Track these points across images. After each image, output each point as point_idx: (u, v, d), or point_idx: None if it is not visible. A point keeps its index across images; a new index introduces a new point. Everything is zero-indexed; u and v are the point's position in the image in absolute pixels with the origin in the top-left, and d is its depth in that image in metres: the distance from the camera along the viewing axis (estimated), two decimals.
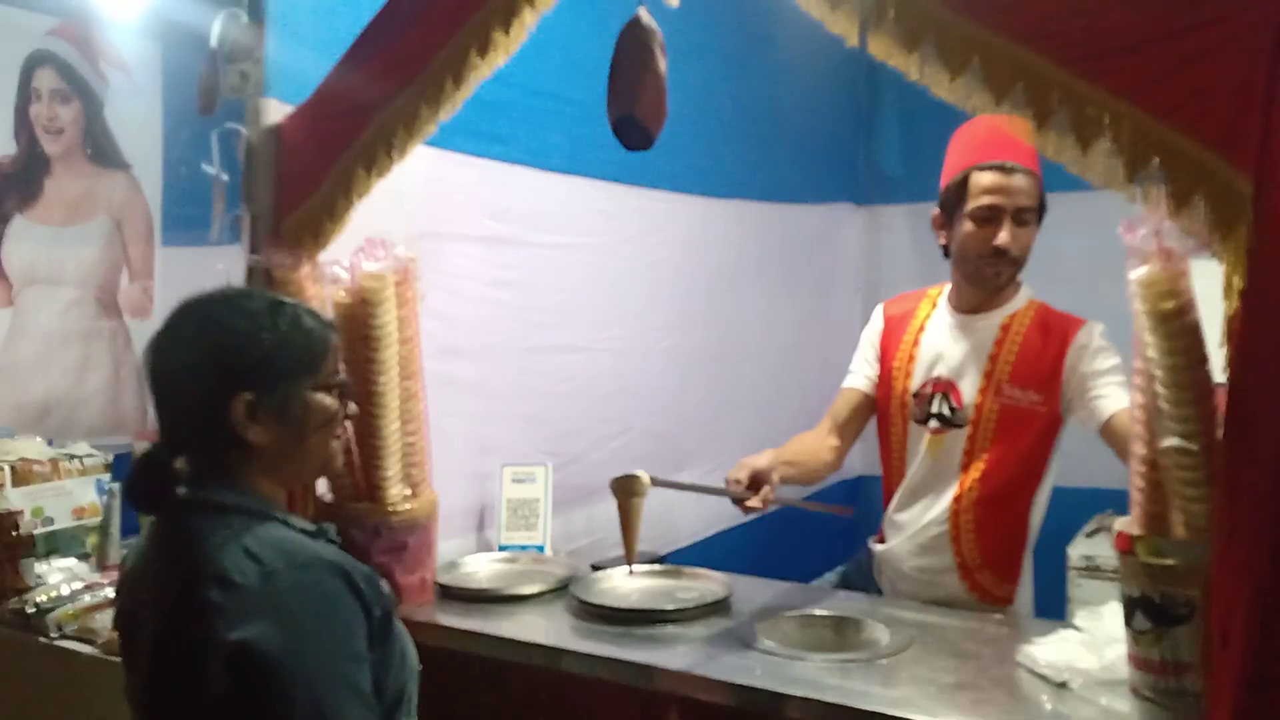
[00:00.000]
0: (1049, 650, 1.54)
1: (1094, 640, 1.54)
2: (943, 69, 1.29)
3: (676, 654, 1.64)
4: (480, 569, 2.16)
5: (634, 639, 1.71)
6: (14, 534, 2.10)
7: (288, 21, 1.98)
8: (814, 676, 1.52)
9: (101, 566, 2.25)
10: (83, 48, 2.92)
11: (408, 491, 1.92)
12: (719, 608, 1.84)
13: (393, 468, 1.89)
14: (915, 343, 2.04)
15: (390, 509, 1.87)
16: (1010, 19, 1.25)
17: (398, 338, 1.89)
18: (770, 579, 2.08)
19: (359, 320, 1.85)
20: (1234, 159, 1.14)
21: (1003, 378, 1.93)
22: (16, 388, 2.79)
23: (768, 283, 3.36)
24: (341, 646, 1.12)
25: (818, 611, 1.84)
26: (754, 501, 1.85)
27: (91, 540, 2.34)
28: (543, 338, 2.57)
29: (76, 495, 2.35)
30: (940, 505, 1.97)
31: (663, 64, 1.67)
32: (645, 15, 1.66)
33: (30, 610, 1.97)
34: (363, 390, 1.85)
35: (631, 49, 1.66)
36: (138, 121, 3.01)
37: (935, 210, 2.00)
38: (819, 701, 1.44)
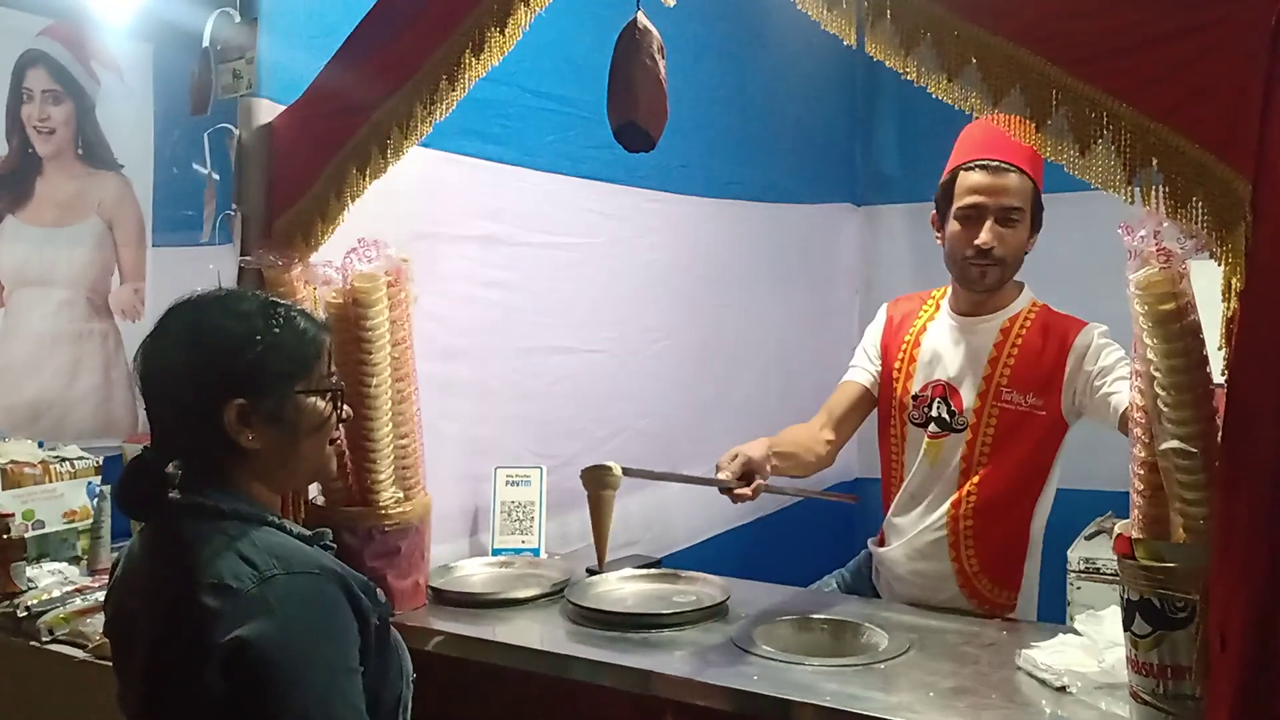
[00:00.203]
0: (1048, 654, 1.53)
1: (1093, 644, 1.53)
2: (940, 69, 1.28)
3: (673, 659, 1.63)
4: (474, 573, 2.14)
5: (630, 644, 1.70)
6: (4, 537, 2.09)
7: (280, 21, 1.97)
8: (812, 681, 1.51)
9: (92, 570, 2.24)
10: (74, 48, 2.90)
11: (400, 495, 1.91)
12: (716, 612, 1.84)
13: (385, 471, 1.87)
14: (916, 344, 2.03)
15: (383, 512, 1.86)
16: (1008, 19, 1.25)
17: (390, 339, 1.87)
18: (768, 582, 2.07)
19: (351, 321, 1.84)
20: (1232, 160, 1.13)
21: (1002, 382, 1.91)
22: (7, 389, 2.77)
23: (764, 283, 3.35)
24: (338, 655, 1.11)
25: (816, 616, 1.83)
26: (744, 490, 1.83)
27: (82, 543, 2.32)
28: (537, 339, 2.56)
29: (67, 498, 2.33)
30: (939, 511, 1.96)
31: (662, 67, 1.66)
32: (643, 18, 1.65)
33: (21, 614, 1.95)
34: (355, 392, 1.84)
35: (630, 52, 1.65)
36: (129, 122, 3.00)
37: (933, 211, 1.99)
38: (817, 706, 1.43)
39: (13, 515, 2.17)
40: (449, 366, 2.27)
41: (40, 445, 2.45)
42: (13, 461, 2.28)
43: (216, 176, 2.06)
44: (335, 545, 1.29)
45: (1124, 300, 1.31)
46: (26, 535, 2.19)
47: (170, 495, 1.19)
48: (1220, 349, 1.18)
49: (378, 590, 1.22)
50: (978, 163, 1.88)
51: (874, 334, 2.14)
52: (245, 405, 1.16)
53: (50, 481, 2.31)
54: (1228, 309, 1.16)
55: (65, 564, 2.23)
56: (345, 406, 1.30)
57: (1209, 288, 1.21)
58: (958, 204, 1.90)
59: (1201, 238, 1.18)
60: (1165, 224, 1.23)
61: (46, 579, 2.11)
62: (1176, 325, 1.27)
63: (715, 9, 2.98)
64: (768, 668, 1.57)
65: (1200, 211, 1.16)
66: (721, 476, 1.83)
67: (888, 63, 1.32)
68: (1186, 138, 1.16)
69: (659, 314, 2.93)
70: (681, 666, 1.59)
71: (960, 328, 1.99)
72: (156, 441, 1.21)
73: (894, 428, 2.05)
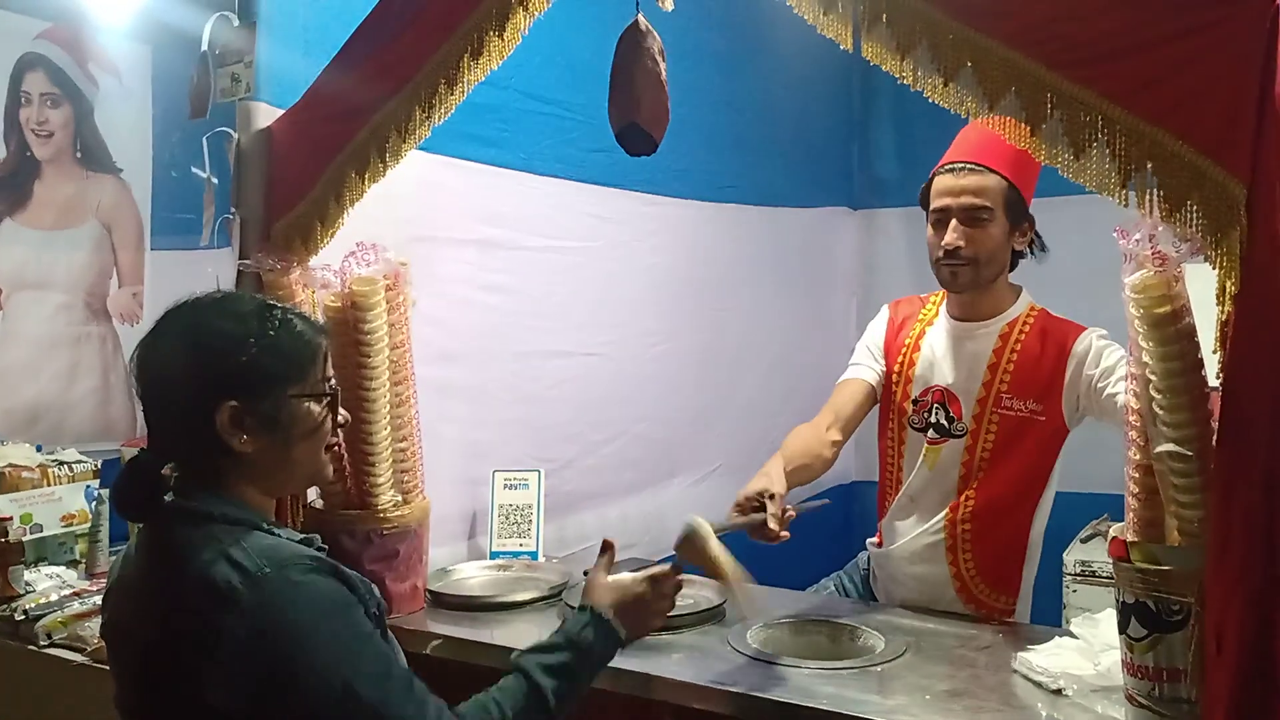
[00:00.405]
0: (1044, 657, 1.54)
1: (1089, 647, 1.53)
2: (936, 73, 1.29)
3: (671, 662, 1.63)
4: (472, 576, 2.15)
5: (628, 646, 1.70)
6: (2, 540, 2.08)
7: (279, 24, 1.98)
8: (809, 684, 1.51)
9: (90, 574, 2.24)
10: (73, 51, 2.91)
11: (399, 498, 1.91)
12: (714, 614, 1.84)
13: (384, 474, 1.87)
14: (915, 349, 2.03)
15: (381, 516, 1.86)
16: (1003, 23, 1.25)
17: (388, 343, 1.88)
18: (765, 585, 2.06)
19: (349, 325, 1.84)
20: (1227, 163, 1.14)
21: (1002, 388, 1.91)
22: (5, 393, 2.77)
23: (762, 287, 3.35)
24: (342, 632, 1.11)
25: (813, 619, 1.84)
26: (785, 534, 1.71)
27: (80, 547, 2.32)
28: (535, 342, 2.56)
29: (65, 502, 2.33)
30: (938, 515, 1.95)
31: (663, 69, 1.66)
32: (644, 21, 1.65)
33: (19, 618, 1.95)
34: (353, 396, 1.84)
35: (632, 55, 1.66)
36: (128, 125, 3.00)
37: None
38: (814, 709, 1.43)
39: (10, 519, 2.16)
40: (447, 370, 2.27)
41: (38, 449, 2.45)
42: (11, 465, 2.28)
43: (215, 180, 2.06)
44: (326, 548, 1.28)
45: (1120, 303, 1.32)
46: (24, 539, 2.19)
47: (165, 498, 1.20)
48: (1215, 352, 1.19)
49: (373, 588, 1.22)
50: (946, 167, 1.91)
51: (878, 333, 2.13)
52: (238, 408, 1.16)
53: (48, 485, 2.31)
54: (1222, 312, 1.16)
55: (63, 568, 2.23)
56: (342, 411, 1.29)
57: (1204, 291, 1.22)
58: (930, 209, 1.92)
59: (1197, 241, 1.18)
60: (1160, 228, 1.23)
61: (44, 583, 2.11)
62: (1171, 328, 1.27)
63: (713, 14, 2.98)
64: (765, 670, 1.58)
65: (1195, 215, 1.16)
66: (771, 523, 1.69)
67: (884, 66, 1.32)
68: (1181, 141, 1.16)
69: (657, 318, 2.93)
70: (679, 670, 1.59)
71: (958, 333, 1.99)
72: (153, 443, 1.21)
73: (892, 432, 2.05)
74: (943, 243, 1.88)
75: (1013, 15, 1.25)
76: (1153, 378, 1.30)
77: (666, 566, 1.46)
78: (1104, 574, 2.46)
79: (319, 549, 1.25)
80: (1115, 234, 1.29)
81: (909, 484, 2.00)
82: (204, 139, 2.00)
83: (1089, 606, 2.23)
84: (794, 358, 3.48)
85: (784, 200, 3.46)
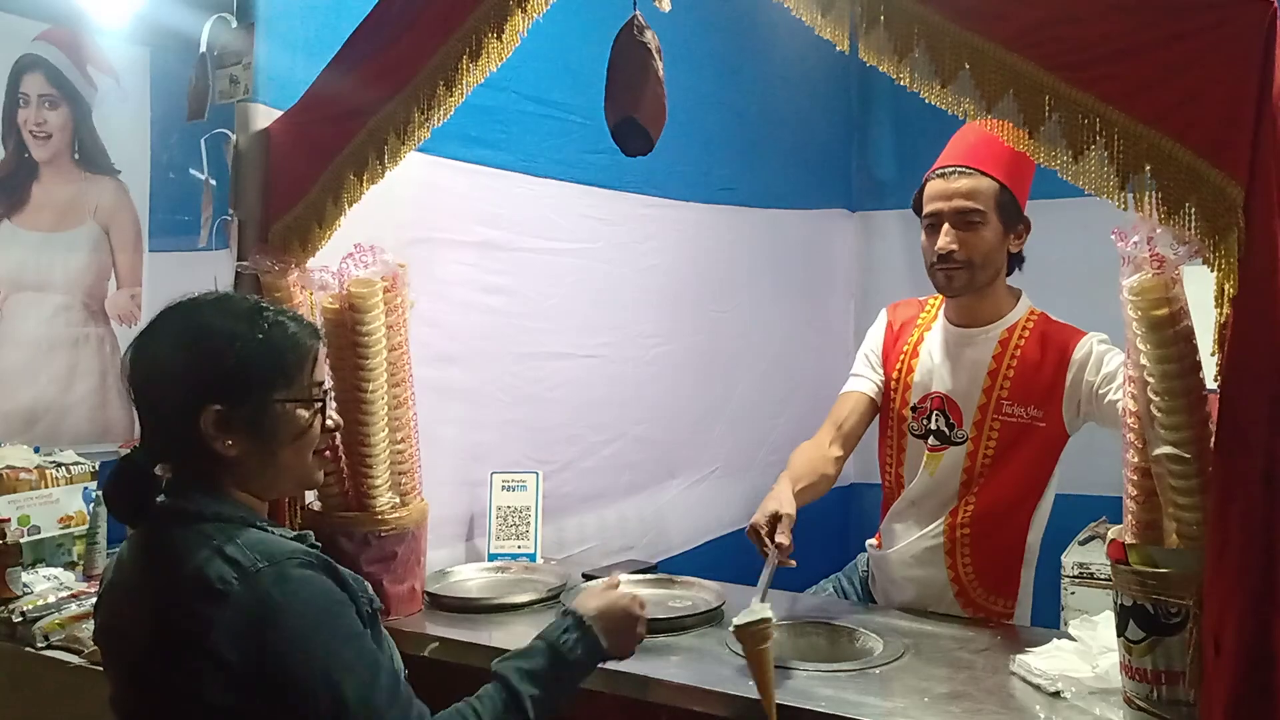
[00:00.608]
0: (1042, 659, 1.53)
1: (1088, 649, 1.53)
2: (934, 75, 1.29)
3: (669, 664, 1.63)
4: (470, 578, 2.14)
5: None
6: (1, 542, 2.08)
7: (277, 26, 1.98)
8: (807, 686, 1.51)
9: (88, 575, 2.24)
10: (71, 53, 2.91)
11: (397, 500, 1.91)
12: (712, 617, 1.83)
13: (381, 476, 1.87)
14: (914, 355, 2.02)
15: (379, 518, 1.85)
16: (1000, 25, 1.25)
17: (386, 344, 1.87)
18: None
19: (347, 327, 1.84)
20: (1225, 165, 1.14)
21: (1002, 395, 1.90)
22: (3, 395, 2.76)
23: (760, 289, 3.35)
24: (334, 629, 1.11)
25: (811, 620, 1.83)
26: (789, 561, 1.72)
27: (78, 549, 2.32)
28: (534, 344, 2.56)
29: (63, 503, 2.33)
30: (938, 520, 1.95)
31: (660, 66, 1.66)
32: (641, 18, 1.65)
33: (17, 619, 1.95)
34: (351, 397, 1.84)
35: (628, 51, 1.65)
36: (126, 127, 3.00)
37: None
38: (812, 712, 1.43)
39: (8, 520, 2.16)
40: (446, 371, 2.27)
41: (36, 450, 2.45)
42: (8, 466, 2.28)
43: (213, 182, 2.06)
44: (319, 546, 1.28)
45: (1118, 306, 1.32)
46: (22, 540, 2.19)
47: (158, 499, 1.19)
48: (1213, 354, 1.19)
49: (366, 584, 1.22)
50: (937, 171, 1.90)
51: (875, 340, 2.12)
52: (222, 411, 1.16)
53: (46, 487, 2.31)
54: (1220, 314, 1.16)
55: (61, 569, 2.23)
56: (334, 415, 1.29)
57: (1202, 293, 1.22)
58: (923, 214, 1.92)
59: (1195, 243, 1.18)
60: (1159, 230, 1.23)
61: (42, 584, 2.11)
62: (1170, 330, 1.27)
63: (710, 15, 2.98)
64: None
65: (1193, 217, 1.16)
66: (779, 542, 1.69)
67: (881, 68, 1.32)
68: (1179, 143, 1.16)
69: (656, 319, 2.93)
70: (677, 672, 1.59)
71: (957, 339, 1.98)
72: (144, 442, 1.21)
73: (892, 438, 2.05)
74: (936, 247, 1.87)
75: (1010, 18, 1.25)
76: (1151, 380, 1.30)
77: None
78: (1102, 576, 2.46)
79: (312, 545, 1.25)
80: (1113, 236, 1.30)
81: (909, 489, 2.00)
82: (202, 140, 2.00)
83: (1087, 609, 2.23)
84: (792, 359, 3.48)
85: (782, 202, 3.46)
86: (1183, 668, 1.30)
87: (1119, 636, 1.38)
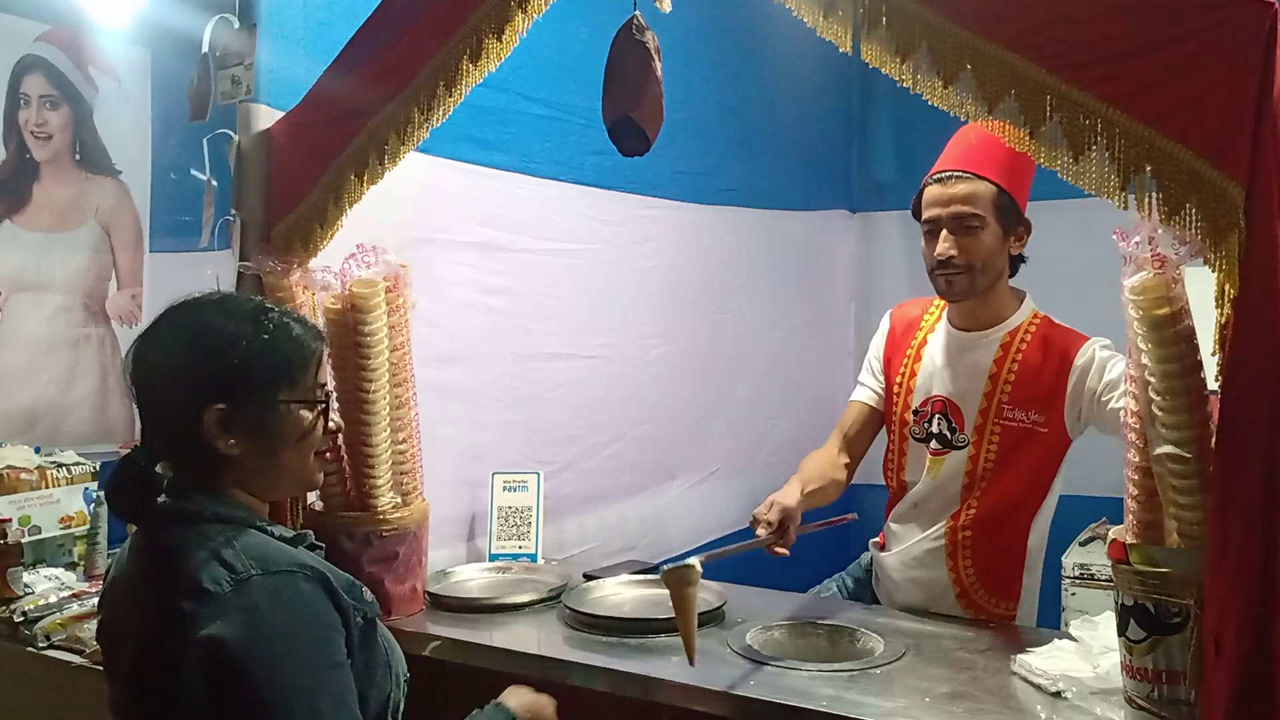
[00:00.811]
0: (1043, 659, 1.54)
1: (1088, 649, 1.53)
2: (935, 76, 1.29)
3: (670, 664, 1.63)
4: (471, 578, 2.14)
5: (627, 649, 1.70)
6: (1, 542, 2.08)
7: (279, 27, 1.98)
8: (808, 687, 1.51)
9: (89, 575, 2.24)
10: (72, 53, 2.91)
11: (398, 500, 1.91)
12: (713, 617, 1.84)
13: (383, 476, 1.87)
14: (916, 358, 2.02)
15: (381, 518, 1.86)
16: (1002, 26, 1.26)
17: (388, 344, 1.88)
18: (765, 588, 2.07)
19: (349, 327, 1.84)
20: (1226, 166, 1.14)
21: (1003, 399, 1.89)
22: (3, 395, 2.76)
23: (760, 290, 3.36)
24: (318, 652, 1.10)
25: (812, 621, 1.83)
26: (780, 549, 1.83)
27: (79, 549, 2.32)
28: (534, 345, 2.56)
29: (64, 504, 2.33)
30: (939, 523, 1.95)
31: (658, 67, 1.66)
32: (640, 18, 1.65)
33: (18, 619, 1.95)
34: (353, 397, 1.84)
35: (627, 51, 1.65)
36: (127, 127, 3.00)
37: None
38: (813, 711, 1.43)
39: (9, 520, 2.16)
40: (447, 372, 2.28)
41: (37, 451, 2.45)
42: (9, 467, 2.28)
43: (215, 182, 2.06)
44: (323, 546, 1.28)
45: (1119, 306, 1.32)
46: (23, 540, 2.19)
47: (159, 498, 1.19)
48: (1214, 354, 1.19)
49: (364, 589, 1.21)
50: (935, 177, 1.90)
51: (878, 346, 2.13)
52: (225, 411, 1.16)
53: (46, 487, 2.31)
54: (1221, 315, 1.17)
55: (62, 570, 2.23)
56: (335, 417, 1.29)
57: (1203, 294, 1.22)
58: (921, 220, 1.92)
59: (1195, 244, 1.19)
60: (1160, 230, 1.23)
61: (43, 584, 2.11)
62: (1170, 331, 1.27)
63: (711, 16, 2.99)
64: (764, 673, 1.58)
65: (1194, 217, 1.16)
66: (760, 533, 1.82)
67: (883, 69, 1.33)
68: (1180, 144, 1.17)
69: (656, 320, 2.93)
70: (678, 672, 1.59)
71: (959, 342, 1.98)
72: (145, 442, 1.21)
73: (894, 441, 2.05)
74: (935, 253, 1.87)
75: (1012, 19, 1.25)
76: (1152, 380, 1.30)
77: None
78: (1102, 577, 2.46)
79: (312, 546, 1.24)
80: (1115, 236, 1.30)
81: (911, 492, 2.00)
82: (204, 141, 2.00)
83: (1087, 609, 2.23)
84: (793, 360, 3.48)
85: (783, 203, 3.46)
86: (1183, 667, 1.30)
87: (1120, 636, 1.38)
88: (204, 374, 1.17)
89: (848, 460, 2.07)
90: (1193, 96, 1.16)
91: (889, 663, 1.61)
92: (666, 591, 1.97)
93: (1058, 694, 1.45)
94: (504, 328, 2.47)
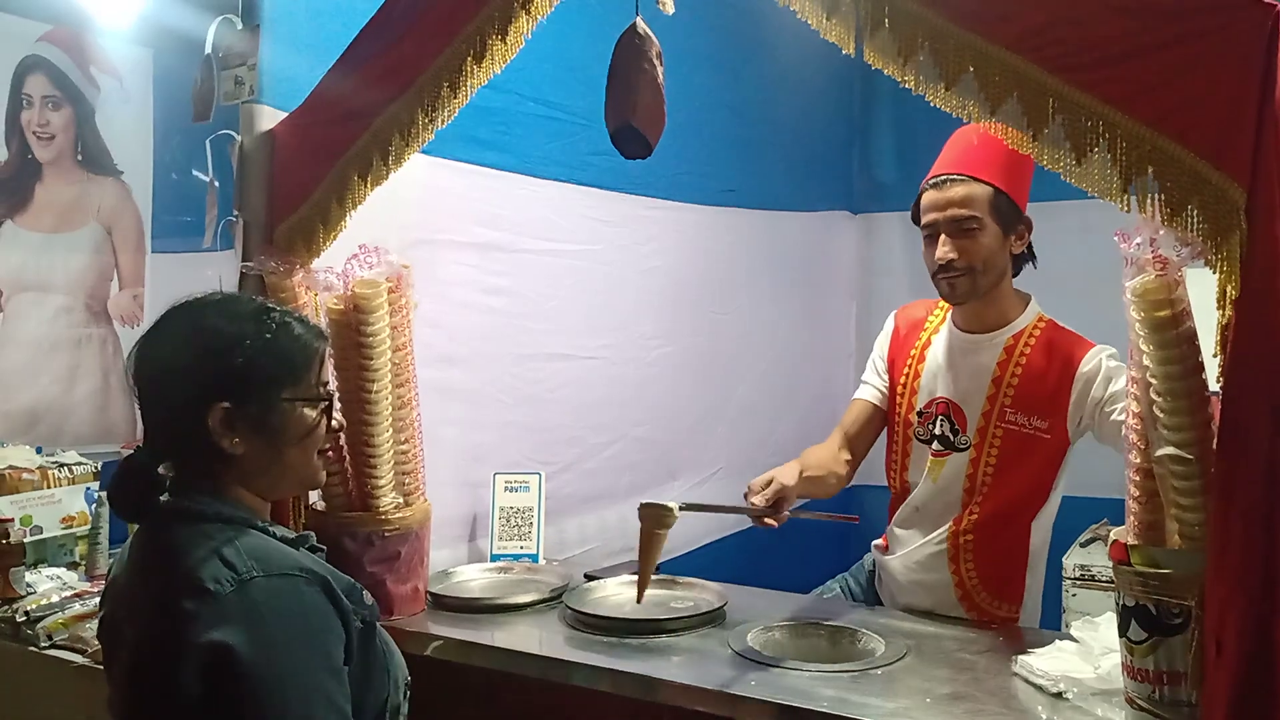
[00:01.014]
0: (1044, 660, 1.54)
1: (1089, 650, 1.54)
2: (938, 77, 1.29)
3: (670, 664, 1.63)
4: (473, 578, 2.15)
5: (628, 649, 1.70)
6: (3, 542, 2.09)
7: (282, 27, 1.98)
8: (809, 687, 1.51)
9: (90, 575, 2.24)
10: (74, 54, 2.91)
11: (400, 500, 1.91)
12: (714, 617, 1.84)
13: (385, 476, 1.88)
14: (920, 359, 2.02)
15: (383, 518, 1.86)
16: (1004, 27, 1.26)
17: (390, 345, 1.88)
18: (766, 589, 2.07)
19: (351, 327, 1.84)
20: (1227, 167, 1.15)
21: (1006, 403, 1.89)
22: (5, 395, 2.77)
23: (761, 291, 3.36)
24: (317, 656, 1.10)
25: (813, 622, 1.83)
26: (770, 520, 1.82)
27: (80, 549, 2.33)
28: (535, 345, 2.56)
29: (65, 504, 2.33)
30: (941, 526, 1.95)
31: (660, 72, 1.67)
32: (642, 24, 1.66)
33: (20, 619, 1.95)
34: (355, 398, 1.84)
35: (629, 57, 1.66)
36: (129, 128, 3.00)
37: None
38: (814, 712, 1.43)
39: (11, 520, 2.16)
40: (448, 372, 2.28)
41: (38, 451, 2.45)
42: (11, 467, 2.28)
43: (217, 183, 2.06)
44: (324, 548, 1.28)
45: (1120, 307, 1.32)
46: (25, 540, 2.19)
47: (161, 498, 1.20)
48: (1215, 356, 1.19)
49: (364, 593, 1.21)
50: (931, 181, 1.91)
51: (882, 346, 2.13)
52: (230, 409, 1.16)
53: (48, 487, 2.31)
54: (1223, 316, 1.17)
55: (63, 569, 2.23)
56: (338, 416, 1.29)
57: (1205, 295, 1.22)
58: (920, 225, 1.92)
59: (1197, 245, 1.19)
60: (1161, 232, 1.23)
61: (45, 584, 2.11)
62: (1172, 332, 1.28)
63: (713, 17, 2.99)
64: (765, 673, 1.58)
65: (1196, 219, 1.17)
66: (754, 500, 1.81)
67: (885, 71, 1.33)
68: (1182, 145, 1.17)
69: (657, 321, 2.94)
70: (679, 672, 1.59)
71: (963, 344, 1.98)
72: (148, 441, 1.21)
73: (898, 442, 2.05)
74: (935, 257, 1.88)
75: (1014, 20, 1.26)
76: (1153, 381, 1.30)
77: None
78: (1103, 578, 2.47)
79: (313, 548, 1.25)
80: (1116, 238, 1.30)
81: (914, 495, 2.00)
82: (207, 142, 2.01)
83: (1088, 610, 2.24)
84: (793, 361, 3.48)
85: (784, 204, 3.46)
86: (1184, 668, 1.31)
87: (1121, 637, 1.39)
88: (208, 373, 1.17)
89: (849, 457, 2.06)
90: (1194, 98, 1.17)
91: (890, 663, 1.62)
92: (667, 592, 1.99)
93: (1059, 695, 1.45)
94: (505, 328, 2.47)
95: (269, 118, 1.95)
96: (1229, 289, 1.16)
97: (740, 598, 1.94)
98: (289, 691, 1.06)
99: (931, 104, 1.31)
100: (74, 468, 2.38)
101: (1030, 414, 1.88)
